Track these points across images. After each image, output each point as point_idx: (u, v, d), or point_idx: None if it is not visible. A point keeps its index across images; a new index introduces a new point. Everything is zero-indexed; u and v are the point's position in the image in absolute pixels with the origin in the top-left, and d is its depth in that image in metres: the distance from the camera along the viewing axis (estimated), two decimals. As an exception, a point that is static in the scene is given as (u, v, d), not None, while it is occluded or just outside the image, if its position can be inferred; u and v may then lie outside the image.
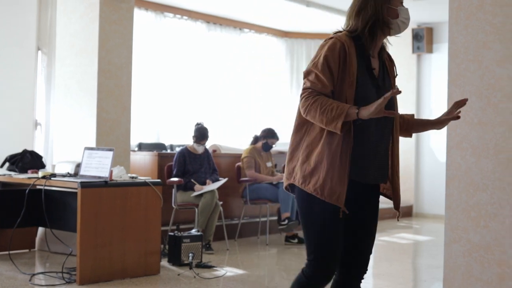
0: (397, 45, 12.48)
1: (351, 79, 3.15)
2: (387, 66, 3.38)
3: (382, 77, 3.31)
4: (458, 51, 4.16)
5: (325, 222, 3.19)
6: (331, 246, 3.21)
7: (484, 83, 4.02)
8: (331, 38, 3.26)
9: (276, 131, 8.92)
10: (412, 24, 12.12)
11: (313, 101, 3.12)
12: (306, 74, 3.22)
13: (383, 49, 3.38)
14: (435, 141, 12.20)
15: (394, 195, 3.42)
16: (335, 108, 3.06)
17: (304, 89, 3.20)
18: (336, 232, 3.21)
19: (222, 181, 8.09)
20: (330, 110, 3.06)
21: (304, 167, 3.21)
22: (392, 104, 3.25)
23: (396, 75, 3.40)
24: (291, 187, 3.32)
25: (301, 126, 3.30)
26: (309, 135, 3.25)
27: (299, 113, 3.28)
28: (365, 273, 3.40)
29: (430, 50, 12.25)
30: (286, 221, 8.43)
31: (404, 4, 3.28)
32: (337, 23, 13.64)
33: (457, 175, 4.14)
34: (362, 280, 3.41)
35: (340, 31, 3.34)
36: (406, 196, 12.54)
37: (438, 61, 12.04)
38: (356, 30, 3.28)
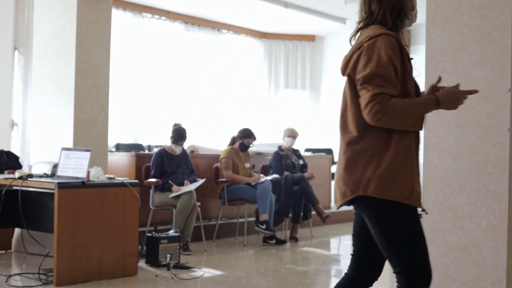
0: (375, 47, 12.57)
1: (409, 74, 3.08)
2: None
3: None
4: (435, 53, 4.18)
5: (416, 227, 3.03)
6: (427, 249, 3.05)
7: (461, 85, 4.05)
8: (380, 35, 3.01)
9: (253, 131, 8.92)
10: (390, 26, 12.15)
11: (390, 106, 2.92)
12: (369, 79, 2.96)
13: None
14: (412, 142, 12.25)
15: None
16: (416, 105, 2.97)
17: (373, 96, 2.93)
18: (424, 234, 3.07)
19: (200, 182, 8.08)
20: (411, 109, 2.96)
21: (379, 174, 2.98)
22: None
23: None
24: (358, 200, 3.05)
25: (361, 133, 3.03)
26: (373, 141, 3.02)
27: (356, 122, 3.05)
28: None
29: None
30: (265, 225, 8.45)
31: None
32: (315, 24, 13.67)
33: (434, 176, 4.16)
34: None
35: (365, 23, 3.18)
36: (383, 197, 12.60)
37: (416, 62, 12.07)
38: (386, 23, 3.11)
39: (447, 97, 3.04)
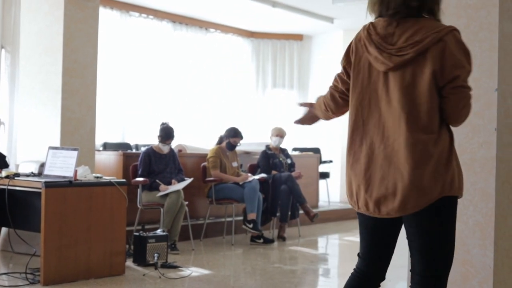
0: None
1: None
2: None
3: None
4: (422, 53, 4.19)
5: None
6: None
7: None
8: (454, 29, 2.88)
9: (240, 130, 8.92)
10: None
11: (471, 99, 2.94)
12: (467, 77, 2.90)
13: None
14: (400, 142, 12.28)
15: None
16: None
17: (466, 87, 2.89)
18: None
19: (188, 181, 8.07)
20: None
21: (458, 172, 2.97)
22: None
23: None
24: (445, 200, 2.94)
25: (439, 132, 2.90)
26: (446, 139, 2.94)
27: (434, 119, 2.89)
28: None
29: (395, 51, 12.30)
30: (252, 224, 8.46)
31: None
32: (303, 23, 13.70)
33: (422, 175, 4.17)
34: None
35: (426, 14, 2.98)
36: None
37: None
38: (435, 15, 2.99)
39: None
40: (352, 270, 3.25)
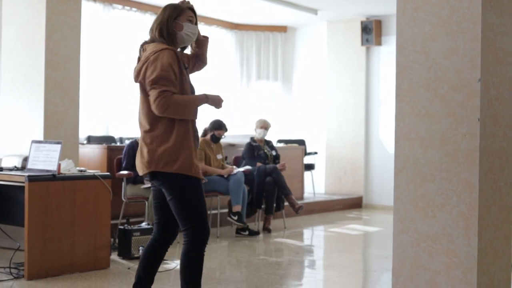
0: (346, 38, 12.62)
1: (185, 77, 4.28)
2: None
3: None
4: (405, 43, 4.20)
5: (195, 194, 4.13)
6: (205, 211, 4.22)
7: (431, 75, 4.06)
8: (163, 49, 4.16)
9: (224, 122, 8.91)
10: (361, 17, 12.23)
11: (173, 100, 4.05)
12: (156, 81, 4.07)
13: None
14: (384, 133, 12.33)
15: None
16: (191, 100, 4.21)
17: (159, 92, 4.04)
18: (203, 200, 4.22)
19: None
20: (188, 102, 4.18)
21: (166, 153, 4.10)
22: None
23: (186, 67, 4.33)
24: (153, 174, 4.17)
25: (152, 125, 4.21)
26: (160, 129, 4.12)
27: (148, 117, 4.22)
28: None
29: (379, 43, 12.34)
30: (237, 217, 8.46)
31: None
32: (287, 15, 13.69)
33: (405, 166, 4.18)
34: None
35: None
36: (356, 188, 12.67)
37: (387, 53, 12.16)
38: (164, 40, 4.29)
39: (214, 97, 4.26)
40: None
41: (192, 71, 4.52)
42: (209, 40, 4.60)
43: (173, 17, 4.24)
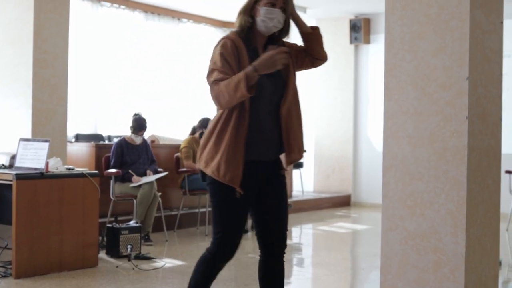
0: (335, 36, 12.62)
1: (244, 65, 3.64)
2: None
3: None
4: (394, 41, 4.20)
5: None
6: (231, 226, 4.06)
7: (419, 73, 4.07)
8: (220, 40, 3.89)
9: (213, 121, 8.89)
10: (350, 15, 12.23)
11: (217, 87, 3.70)
12: (207, 75, 3.82)
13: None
14: (372, 131, 12.35)
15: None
16: (233, 78, 3.61)
17: (210, 85, 3.75)
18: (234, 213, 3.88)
19: (162, 174, 8.05)
20: (229, 82, 3.62)
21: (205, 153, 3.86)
22: (279, 86, 3.74)
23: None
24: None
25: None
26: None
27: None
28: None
29: (367, 41, 12.35)
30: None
31: None
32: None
33: (394, 164, 4.18)
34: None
35: None
36: (344, 186, 12.68)
37: (375, 51, 12.18)
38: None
39: (262, 60, 3.52)
40: None
41: (302, 67, 3.93)
42: (320, 31, 4.05)
43: (252, 2, 3.90)
